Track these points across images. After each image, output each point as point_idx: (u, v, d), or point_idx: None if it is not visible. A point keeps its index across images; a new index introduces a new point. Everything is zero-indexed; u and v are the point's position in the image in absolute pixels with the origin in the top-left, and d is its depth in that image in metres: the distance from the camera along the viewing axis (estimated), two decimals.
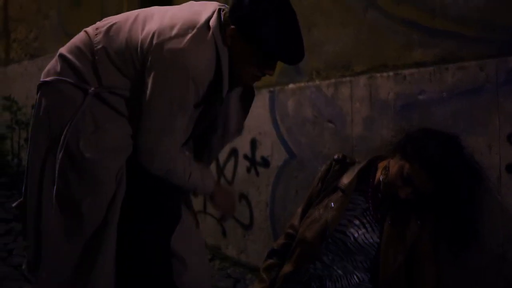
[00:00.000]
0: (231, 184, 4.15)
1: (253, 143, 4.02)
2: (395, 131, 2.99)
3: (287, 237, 3.07)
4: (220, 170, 4.25)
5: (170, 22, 2.38)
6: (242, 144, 4.07)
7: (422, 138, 2.79)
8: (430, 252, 2.82)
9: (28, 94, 6.30)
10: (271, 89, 3.87)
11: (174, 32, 2.34)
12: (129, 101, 2.43)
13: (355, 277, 2.88)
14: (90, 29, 2.52)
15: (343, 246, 2.88)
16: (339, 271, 2.88)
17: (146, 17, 2.46)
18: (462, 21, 3.02)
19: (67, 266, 2.44)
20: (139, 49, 2.38)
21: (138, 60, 2.38)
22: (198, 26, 2.36)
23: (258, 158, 4.01)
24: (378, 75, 3.32)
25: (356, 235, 2.88)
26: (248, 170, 4.07)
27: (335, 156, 3.09)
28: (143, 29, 2.41)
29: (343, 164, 3.06)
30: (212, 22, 2.38)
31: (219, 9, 2.44)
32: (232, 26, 2.35)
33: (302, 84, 3.72)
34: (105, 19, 2.57)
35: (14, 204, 2.62)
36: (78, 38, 2.52)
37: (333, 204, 2.93)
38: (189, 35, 2.33)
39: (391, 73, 3.26)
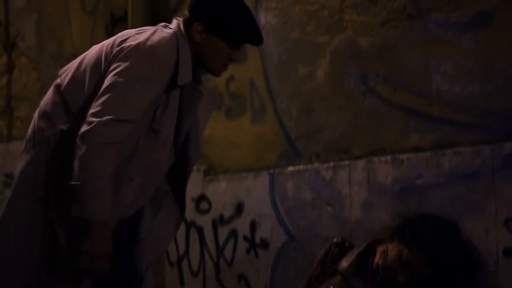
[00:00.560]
0: (230, 265, 4.16)
1: (253, 225, 4.04)
2: (393, 215, 3.03)
3: None
4: (220, 250, 4.26)
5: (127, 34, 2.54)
6: (241, 225, 4.10)
7: (420, 223, 2.83)
8: None
9: None
10: (271, 171, 3.92)
11: (132, 34, 2.50)
12: None
13: None
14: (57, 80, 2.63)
15: None
16: None
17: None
18: (458, 107, 3.10)
19: None
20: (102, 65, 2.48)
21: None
22: (155, 27, 2.54)
23: (257, 239, 4.02)
24: (376, 159, 3.38)
25: None
26: (248, 251, 4.08)
27: (334, 240, 3.12)
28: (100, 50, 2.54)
29: (342, 248, 3.08)
30: (171, 25, 2.55)
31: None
32: (197, 23, 2.51)
33: (301, 167, 3.78)
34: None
35: None
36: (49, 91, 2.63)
37: None
38: (148, 32, 2.49)
39: (389, 158, 3.32)
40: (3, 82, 7.87)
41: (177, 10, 4.68)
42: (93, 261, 2.33)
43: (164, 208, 2.65)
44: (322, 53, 3.70)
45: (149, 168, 2.51)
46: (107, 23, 5.39)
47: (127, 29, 4.94)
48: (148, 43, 2.43)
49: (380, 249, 2.97)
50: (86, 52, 2.60)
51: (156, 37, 2.45)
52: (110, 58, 2.45)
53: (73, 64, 2.57)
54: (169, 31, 2.51)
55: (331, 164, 3.61)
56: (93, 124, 2.31)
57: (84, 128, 2.33)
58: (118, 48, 2.44)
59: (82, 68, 2.52)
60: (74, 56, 3.04)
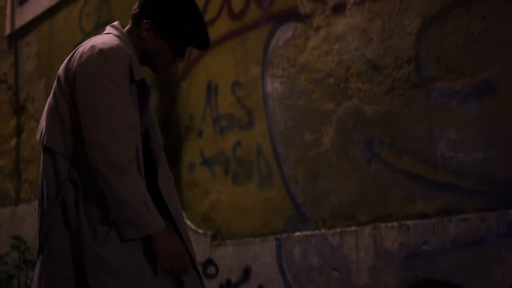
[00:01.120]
0: None
1: None
2: (400, 281, 3.04)
3: None
4: None
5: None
6: None
7: None
8: None
9: (37, 234, 6.36)
10: (278, 236, 3.95)
11: (80, 51, 2.47)
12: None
13: None
14: None
15: None
16: None
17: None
18: (462, 174, 3.14)
19: None
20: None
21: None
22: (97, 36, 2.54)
23: None
24: (383, 225, 3.41)
25: None
26: None
27: None
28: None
29: None
30: (109, 29, 2.57)
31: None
32: (146, 20, 2.53)
33: (308, 233, 3.80)
34: None
35: None
36: None
37: None
38: (93, 40, 2.47)
39: (395, 224, 3.35)
40: (11, 145, 7.97)
41: (185, 76, 4.79)
42: (174, 259, 2.38)
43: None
44: (328, 120, 3.77)
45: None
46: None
47: None
48: (102, 48, 2.41)
49: None
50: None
51: (105, 42, 2.45)
52: (70, 79, 2.44)
53: (42, 120, 2.56)
54: (109, 35, 2.53)
55: (338, 229, 3.64)
56: (106, 144, 2.31)
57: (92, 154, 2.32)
58: (75, 67, 2.43)
59: (49, 113, 2.51)
60: None
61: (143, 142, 2.54)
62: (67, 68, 2.48)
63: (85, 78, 2.41)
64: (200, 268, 2.98)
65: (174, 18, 2.56)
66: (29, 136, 7.45)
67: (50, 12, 6.58)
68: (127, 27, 2.63)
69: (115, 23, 2.60)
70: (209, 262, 4.31)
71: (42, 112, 2.61)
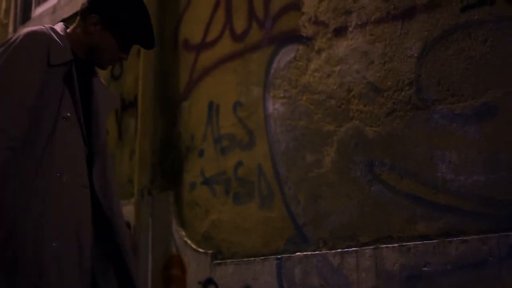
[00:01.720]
0: None
1: None
2: None
3: None
4: None
5: None
6: None
7: None
8: None
9: None
10: (278, 256, 3.95)
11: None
12: None
13: None
14: None
15: None
16: None
17: None
18: (463, 196, 3.17)
19: None
20: None
21: None
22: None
23: None
24: (384, 246, 3.42)
25: None
26: None
27: None
28: None
29: None
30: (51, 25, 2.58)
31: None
32: (94, 14, 2.56)
33: (309, 253, 3.81)
34: None
35: None
36: None
37: None
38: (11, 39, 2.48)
39: (396, 245, 3.36)
40: None
41: (186, 96, 4.82)
42: None
43: None
44: (329, 142, 3.79)
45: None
46: (116, 107, 5.50)
47: (137, 114, 5.09)
48: (20, 34, 2.46)
49: None
50: None
51: (25, 30, 2.50)
52: None
53: None
54: (37, 30, 2.54)
55: (339, 250, 3.65)
56: None
57: None
58: None
59: None
60: None
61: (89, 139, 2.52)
62: None
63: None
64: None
65: (122, 14, 2.60)
66: None
67: None
68: (74, 24, 2.64)
69: (60, 22, 2.66)
70: (209, 281, 4.31)
71: None
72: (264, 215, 4.12)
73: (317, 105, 3.89)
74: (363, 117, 3.64)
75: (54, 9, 6.49)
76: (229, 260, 4.24)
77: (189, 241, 4.52)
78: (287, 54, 4.12)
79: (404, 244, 3.32)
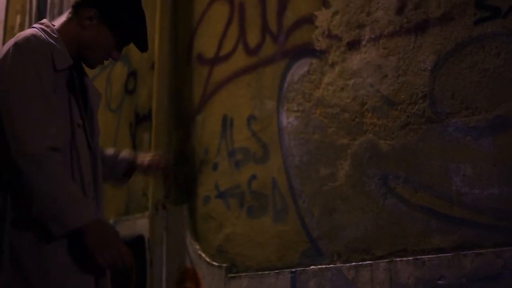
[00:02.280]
0: None
1: None
2: None
3: None
4: None
5: None
6: None
7: None
8: None
9: None
10: (293, 270, 3.95)
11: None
12: None
13: None
14: None
15: None
16: None
17: None
18: (478, 209, 3.16)
19: None
20: None
21: None
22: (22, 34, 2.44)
23: None
24: (398, 259, 3.42)
25: None
26: None
27: None
28: None
29: None
30: (36, 25, 2.48)
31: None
32: (90, 8, 2.47)
33: (323, 266, 3.81)
34: None
35: None
36: None
37: None
38: (13, 40, 2.40)
39: (410, 258, 3.36)
40: None
41: (200, 110, 4.85)
42: (106, 252, 2.24)
43: None
44: (343, 155, 3.80)
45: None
46: (131, 121, 5.55)
47: (151, 128, 5.12)
48: (17, 42, 2.36)
49: None
50: None
51: (21, 34, 2.40)
52: None
53: None
54: (32, 28, 2.45)
55: (353, 263, 3.65)
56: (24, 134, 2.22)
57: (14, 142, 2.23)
58: None
59: None
60: None
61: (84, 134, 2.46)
62: None
63: (1, 74, 2.33)
64: None
65: (121, 10, 2.50)
66: None
67: None
68: (62, 20, 2.54)
69: (43, 20, 2.55)
70: None
71: None
72: (278, 229, 4.13)
73: (331, 118, 3.90)
74: (377, 130, 3.64)
75: None
76: (243, 274, 4.25)
77: (203, 255, 4.53)
78: (300, 68, 4.14)
79: (419, 257, 3.32)
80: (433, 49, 3.44)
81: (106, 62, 2.71)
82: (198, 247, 4.59)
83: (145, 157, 2.84)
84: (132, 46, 2.61)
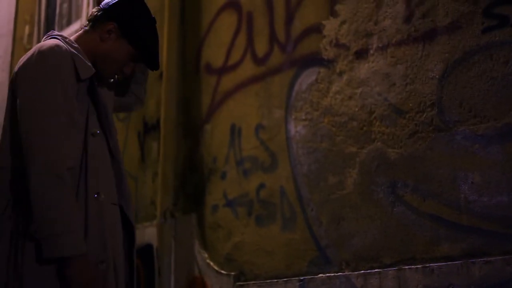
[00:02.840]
0: None
1: None
2: None
3: None
4: None
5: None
6: None
7: None
8: None
9: None
10: (301, 278, 3.96)
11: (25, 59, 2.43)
12: None
13: None
14: None
15: None
16: None
17: None
18: (487, 217, 3.17)
19: None
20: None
21: None
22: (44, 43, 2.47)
23: None
24: (407, 267, 3.42)
25: None
26: None
27: None
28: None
29: None
30: (54, 35, 2.51)
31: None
32: (111, 21, 2.51)
33: (332, 274, 3.82)
34: None
35: None
36: None
37: None
38: (36, 48, 2.42)
39: (419, 266, 3.36)
40: None
41: (208, 119, 4.87)
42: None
43: None
44: (351, 163, 3.81)
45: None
46: (139, 130, 5.57)
47: (159, 137, 5.14)
48: (40, 50, 2.38)
49: None
50: None
51: (44, 44, 2.42)
52: (11, 87, 2.40)
53: None
54: (52, 38, 2.48)
55: (362, 271, 3.65)
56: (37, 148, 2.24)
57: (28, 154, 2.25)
58: (15, 73, 2.40)
59: None
60: None
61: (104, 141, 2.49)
62: (11, 78, 2.44)
63: (23, 82, 2.35)
64: None
65: (140, 25, 2.54)
66: None
67: None
68: (79, 33, 2.59)
69: (53, 31, 2.59)
70: None
71: None
72: (287, 237, 4.13)
73: (339, 127, 3.91)
74: (385, 138, 3.66)
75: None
76: (251, 282, 4.25)
77: (211, 263, 4.54)
78: (308, 77, 4.16)
79: (428, 265, 3.32)
80: (441, 58, 3.45)
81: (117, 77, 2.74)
82: (206, 255, 4.60)
83: None
84: None
